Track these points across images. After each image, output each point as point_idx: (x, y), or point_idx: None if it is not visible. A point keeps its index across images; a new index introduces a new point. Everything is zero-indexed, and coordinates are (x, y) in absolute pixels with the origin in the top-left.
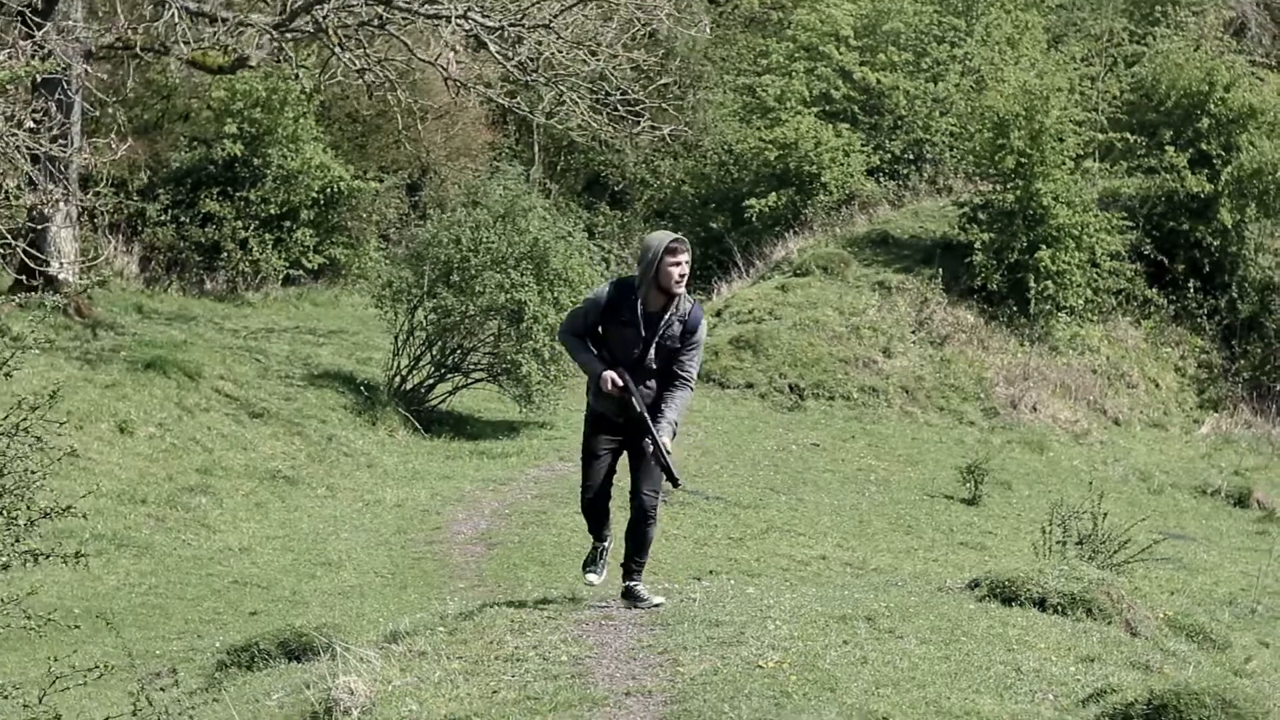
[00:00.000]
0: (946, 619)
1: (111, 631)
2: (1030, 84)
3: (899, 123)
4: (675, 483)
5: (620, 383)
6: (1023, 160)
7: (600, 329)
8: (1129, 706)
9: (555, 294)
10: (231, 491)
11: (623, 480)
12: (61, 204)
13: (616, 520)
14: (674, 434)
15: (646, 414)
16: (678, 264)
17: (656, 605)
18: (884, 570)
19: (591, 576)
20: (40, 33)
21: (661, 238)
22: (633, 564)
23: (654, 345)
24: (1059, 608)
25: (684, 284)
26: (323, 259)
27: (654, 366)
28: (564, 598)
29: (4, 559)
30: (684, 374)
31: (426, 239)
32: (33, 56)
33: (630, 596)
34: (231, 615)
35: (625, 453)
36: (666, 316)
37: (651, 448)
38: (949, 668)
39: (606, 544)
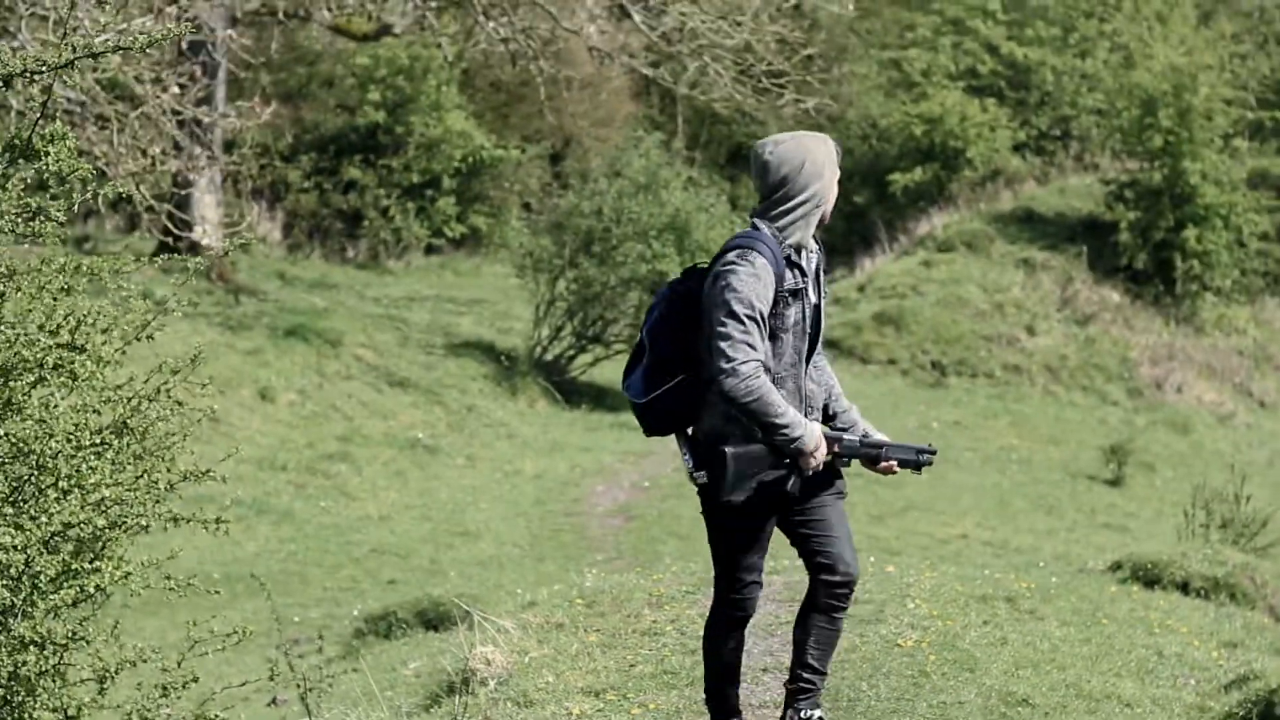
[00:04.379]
0: (1088, 601)
1: (262, 594)
2: (1179, 61)
3: (1045, 99)
4: (918, 464)
5: (832, 449)
6: (1170, 139)
7: None
8: (1272, 693)
9: (696, 266)
10: (371, 460)
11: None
12: (205, 168)
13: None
14: None
15: (859, 438)
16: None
17: None
18: (1025, 550)
19: None
20: None
21: (826, 142)
22: (804, 679)
23: (825, 306)
24: (1202, 591)
25: None
26: (464, 228)
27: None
28: (702, 571)
29: (145, 522)
30: (823, 336)
31: (568, 209)
32: (178, 21)
33: None
34: (369, 583)
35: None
36: (820, 261)
37: (895, 463)
38: (1090, 650)
39: None
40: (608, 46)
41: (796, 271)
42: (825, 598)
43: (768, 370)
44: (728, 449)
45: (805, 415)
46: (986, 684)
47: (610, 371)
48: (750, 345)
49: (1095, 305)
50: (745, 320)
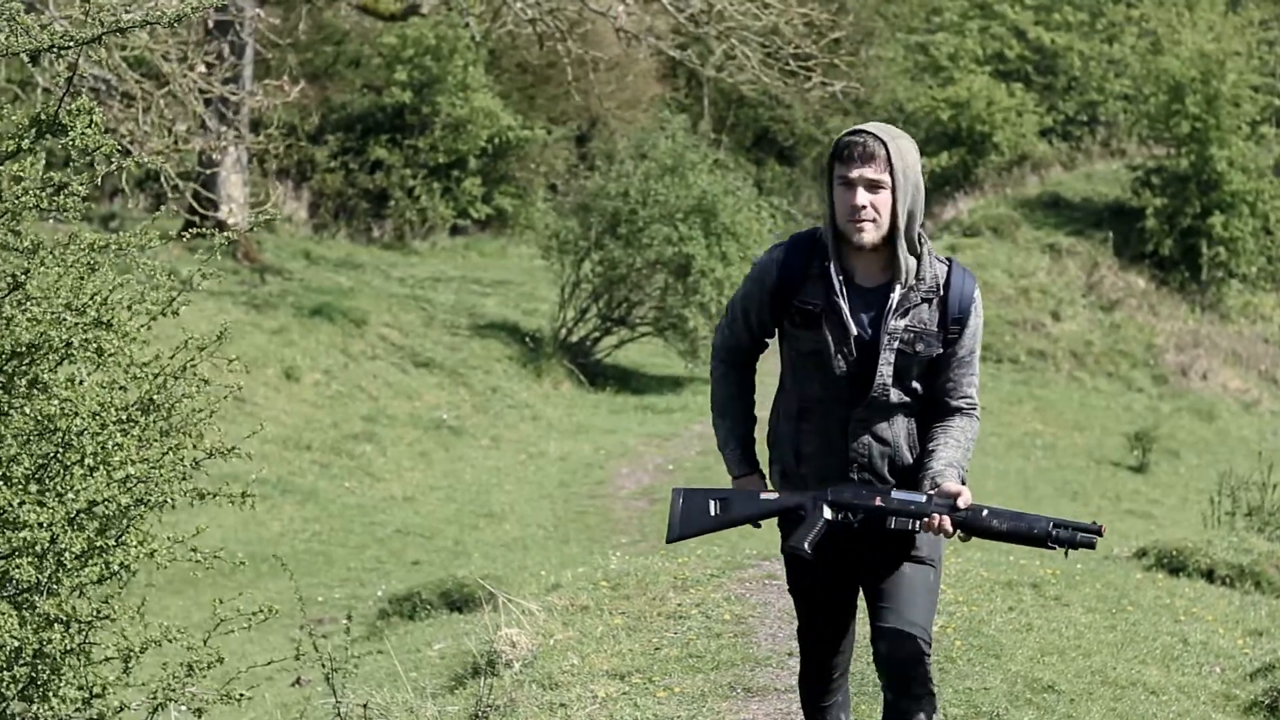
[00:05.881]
0: (1113, 588)
1: (286, 574)
2: (1207, 47)
3: (1073, 84)
4: (1059, 542)
5: (807, 547)
6: (1198, 125)
7: (778, 331)
8: None
9: (723, 248)
10: (396, 440)
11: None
12: (232, 147)
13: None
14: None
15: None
16: (852, 180)
17: None
18: None
19: None
20: None
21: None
22: None
23: (885, 354)
24: (1227, 579)
25: (880, 225)
26: (490, 209)
27: (889, 396)
28: (727, 555)
29: (170, 499)
30: (960, 401)
31: (594, 190)
32: None
33: None
34: (394, 564)
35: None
36: (898, 294)
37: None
38: (1115, 637)
39: None
40: (635, 28)
41: (819, 287)
42: (891, 671)
43: (798, 399)
44: (678, 487)
45: (846, 471)
46: (1012, 670)
47: (635, 354)
48: (720, 340)
49: (1121, 291)
50: (729, 313)
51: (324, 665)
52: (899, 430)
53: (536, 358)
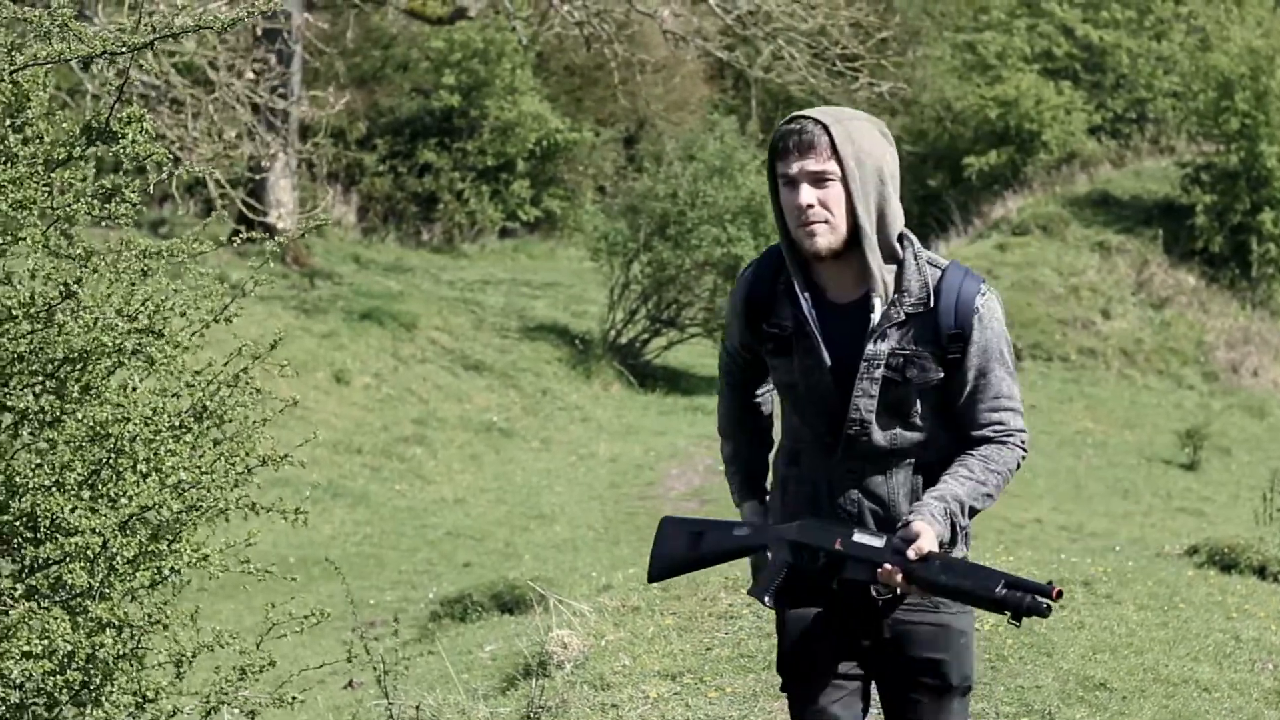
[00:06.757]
0: (1165, 585)
1: (338, 577)
2: (1256, 44)
3: (1121, 81)
4: (1019, 609)
5: (766, 599)
6: (1247, 122)
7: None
8: None
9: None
10: (446, 443)
11: None
12: (280, 154)
13: None
14: (952, 522)
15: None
16: (793, 176)
17: None
18: (1100, 535)
19: None
20: None
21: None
22: None
23: (863, 383)
24: (1279, 576)
25: (835, 225)
26: (539, 211)
27: (871, 437)
28: None
29: (222, 505)
30: (986, 430)
31: (643, 192)
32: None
33: None
34: (445, 566)
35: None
36: (879, 312)
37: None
38: (1167, 635)
39: None
40: (682, 30)
41: (786, 307)
42: None
43: (791, 437)
44: (666, 516)
45: (828, 521)
46: (1064, 668)
47: (684, 355)
48: (721, 367)
49: (1171, 289)
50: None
51: (376, 668)
52: (898, 484)
53: (586, 359)
